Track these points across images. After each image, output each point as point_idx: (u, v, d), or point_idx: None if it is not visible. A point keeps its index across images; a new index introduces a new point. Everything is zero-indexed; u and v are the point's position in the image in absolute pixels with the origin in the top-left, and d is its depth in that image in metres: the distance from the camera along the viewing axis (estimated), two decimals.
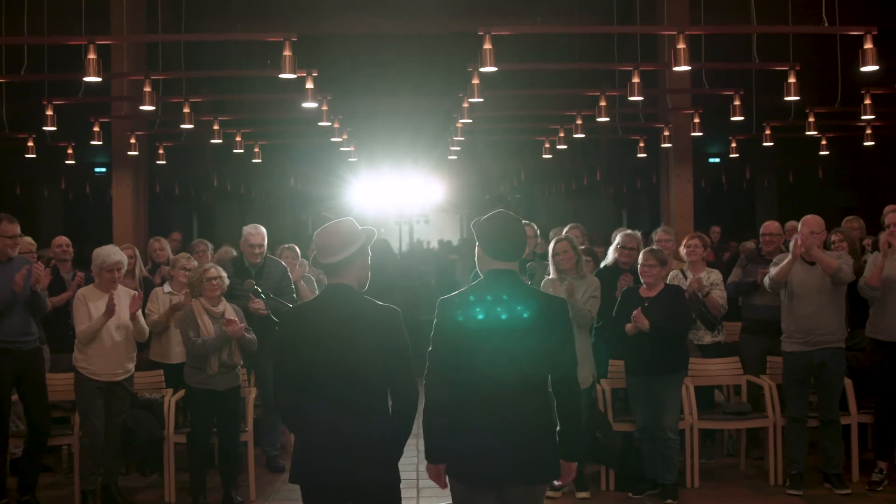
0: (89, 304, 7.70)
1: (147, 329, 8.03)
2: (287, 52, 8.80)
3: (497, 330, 4.60)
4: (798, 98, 10.19)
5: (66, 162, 16.38)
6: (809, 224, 7.97)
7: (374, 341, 4.54)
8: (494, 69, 8.84)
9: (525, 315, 4.63)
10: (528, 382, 4.63)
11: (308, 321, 4.66)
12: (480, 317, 4.60)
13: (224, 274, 7.95)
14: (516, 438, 4.57)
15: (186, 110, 11.92)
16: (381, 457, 4.58)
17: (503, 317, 4.61)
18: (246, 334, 7.79)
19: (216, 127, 14.14)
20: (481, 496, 4.65)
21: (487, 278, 4.77)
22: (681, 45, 8.77)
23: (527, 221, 9.01)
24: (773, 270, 8.09)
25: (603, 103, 11.92)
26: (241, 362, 7.96)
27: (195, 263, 8.91)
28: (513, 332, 4.61)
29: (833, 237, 8.81)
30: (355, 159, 20.84)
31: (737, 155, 17.26)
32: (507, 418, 4.56)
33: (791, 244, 7.95)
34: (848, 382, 8.24)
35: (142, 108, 10.61)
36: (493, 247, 4.78)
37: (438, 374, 4.68)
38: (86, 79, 8.84)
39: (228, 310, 7.88)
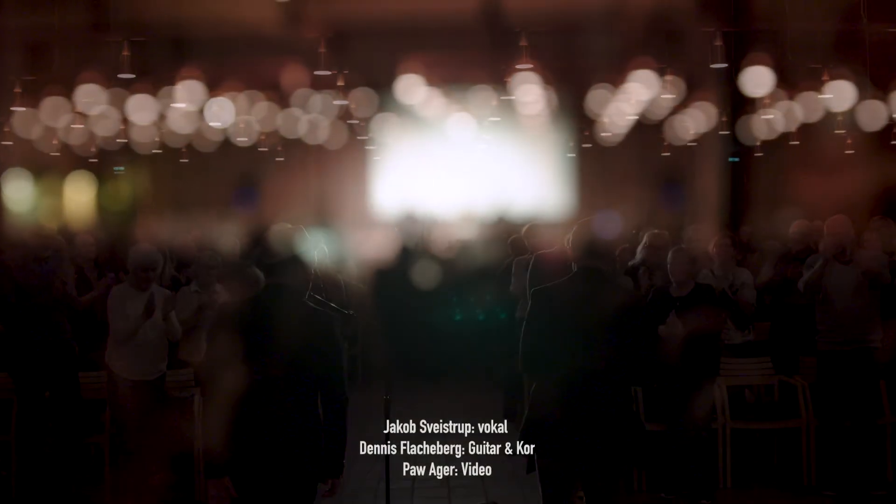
0: (125, 303, 7.67)
1: (179, 328, 7.98)
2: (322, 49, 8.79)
3: (583, 320, 4.97)
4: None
5: (90, 160, 16.39)
6: (835, 226, 7.88)
7: (306, 343, 4.53)
8: (530, 66, 8.80)
9: (603, 308, 5.01)
10: (608, 369, 4.96)
11: (244, 319, 4.66)
12: (570, 307, 5.00)
13: None
14: (598, 422, 4.95)
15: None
16: (302, 465, 4.57)
17: (588, 308, 4.99)
18: None
19: (242, 125, 14.13)
20: (563, 474, 4.99)
21: (579, 273, 5.19)
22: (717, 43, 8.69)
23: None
24: (805, 274, 7.95)
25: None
26: None
27: (220, 261, 8.88)
28: (596, 322, 4.96)
29: (866, 235, 8.72)
30: (380, 158, 20.74)
31: (760, 154, 17.09)
32: (589, 403, 4.94)
33: (822, 246, 7.86)
34: (883, 384, 8.15)
35: (173, 105, 10.62)
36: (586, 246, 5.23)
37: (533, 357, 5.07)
38: (120, 75, 8.85)
39: None
